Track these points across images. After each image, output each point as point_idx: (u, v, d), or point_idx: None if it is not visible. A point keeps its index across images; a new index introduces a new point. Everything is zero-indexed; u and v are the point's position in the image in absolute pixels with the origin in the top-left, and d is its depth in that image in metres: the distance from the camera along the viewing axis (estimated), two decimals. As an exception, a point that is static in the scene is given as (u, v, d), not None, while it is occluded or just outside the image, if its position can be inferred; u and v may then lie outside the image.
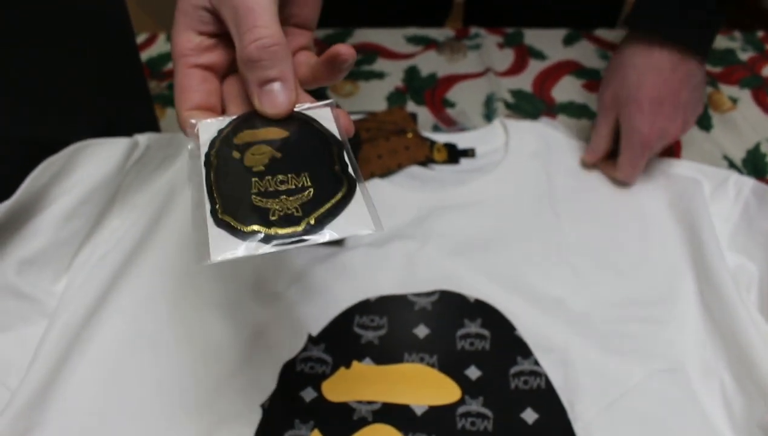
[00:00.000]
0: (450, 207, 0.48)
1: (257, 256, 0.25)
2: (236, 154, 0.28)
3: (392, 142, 0.52)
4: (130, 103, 0.51)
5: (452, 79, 0.63)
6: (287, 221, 0.26)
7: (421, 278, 0.44)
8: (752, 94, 0.63)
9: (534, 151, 0.52)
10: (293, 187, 0.27)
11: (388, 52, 0.67)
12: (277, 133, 0.30)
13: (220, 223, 0.26)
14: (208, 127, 0.30)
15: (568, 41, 0.69)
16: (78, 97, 0.45)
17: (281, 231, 0.26)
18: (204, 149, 0.29)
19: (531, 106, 0.60)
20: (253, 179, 0.27)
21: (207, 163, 0.28)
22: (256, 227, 0.25)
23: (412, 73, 0.63)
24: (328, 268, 0.44)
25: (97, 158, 0.45)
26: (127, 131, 0.48)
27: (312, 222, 0.26)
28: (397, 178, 0.51)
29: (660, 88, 0.48)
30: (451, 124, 0.58)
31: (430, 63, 0.65)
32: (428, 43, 0.68)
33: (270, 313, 0.42)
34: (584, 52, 0.67)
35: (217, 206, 0.26)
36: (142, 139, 0.48)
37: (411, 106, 0.60)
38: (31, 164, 0.41)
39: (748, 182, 0.48)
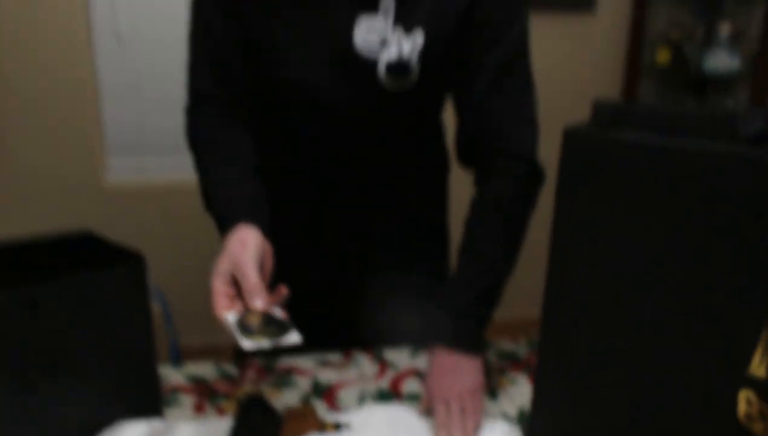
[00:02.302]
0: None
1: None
2: (247, 320, 0.77)
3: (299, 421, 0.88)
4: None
5: (339, 385, 1.01)
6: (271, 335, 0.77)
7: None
8: (528, 376, 1.03)
9: (386, 422, 0.89)
10: (274, 328, 0.77)
11: (299, 371, 1.05)
12: (259, 315, 0.77)
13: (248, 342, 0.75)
14: (232, 317, 0.77)
15: (414, 353, 1.09)
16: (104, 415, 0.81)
17: (267, 340, 0.76)
18: (234, 326, 0.76)
19: (387, 398, 0.98)
20: (255, 324, 0.77)
21: (239, 328, 0.76)
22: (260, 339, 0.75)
23: (316, 383, 1.01)
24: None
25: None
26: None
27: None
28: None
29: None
30: (338, 410, 0.94)
31: (327, 375, 1.03)
32: (325, 362, 1.07)
33: None
34: (423, 361, 1.07)
35: (244, 336, 0.75)
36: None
37: (314, 400, 0.97)
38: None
39: (515, 430, 0.86)
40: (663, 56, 2.52)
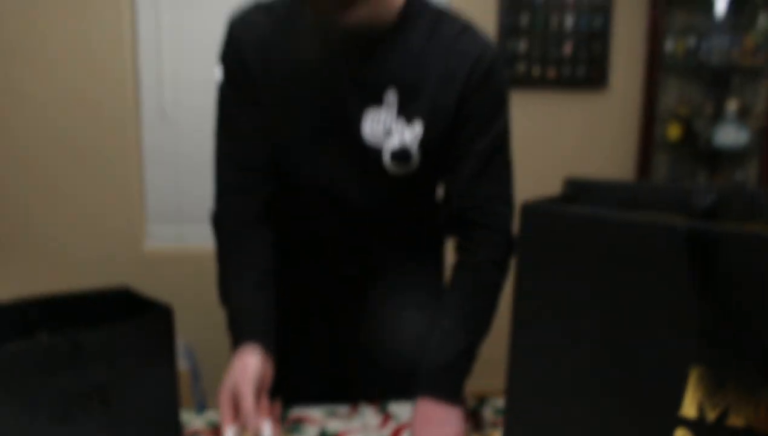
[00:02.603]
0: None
1: None
2: None
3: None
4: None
5: (345, 433, 1.09)
6: None
7: None
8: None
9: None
10: None
11: (309, 420, 1.14)
12: None
13: None
14: (234, 432, 0.87)
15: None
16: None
17: None
18: None
19: (388, 442, 1.06)
20: None
21: None
22: None
23: (323, 432, 1.10)
24: None
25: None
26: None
27: None
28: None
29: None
30: (340, 455, 1.02)
31: (334, 424, 1.12)
32: (334, 413, 1.16)
33: None
34: (425, 413, 1.15)
35: None
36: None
37: (320, 448, 1.05)
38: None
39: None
40: (674, 132, 2.61)
